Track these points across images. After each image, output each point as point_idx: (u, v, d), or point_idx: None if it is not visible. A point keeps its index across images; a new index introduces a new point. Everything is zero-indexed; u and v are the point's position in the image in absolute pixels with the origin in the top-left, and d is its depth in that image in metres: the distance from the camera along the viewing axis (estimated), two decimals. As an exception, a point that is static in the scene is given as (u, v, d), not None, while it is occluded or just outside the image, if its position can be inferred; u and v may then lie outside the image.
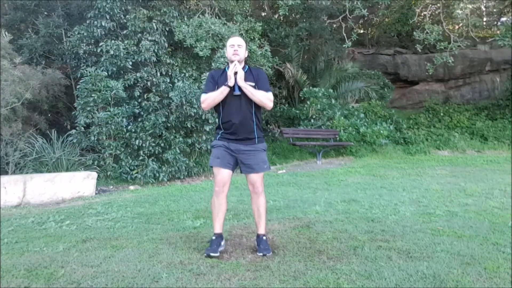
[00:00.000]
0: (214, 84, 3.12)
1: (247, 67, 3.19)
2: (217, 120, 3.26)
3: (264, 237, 3.16)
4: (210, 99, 3.08)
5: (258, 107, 3.14)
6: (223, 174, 3.10)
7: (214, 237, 3.12)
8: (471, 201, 4.90)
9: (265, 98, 3.08)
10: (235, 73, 3.04)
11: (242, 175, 3.31)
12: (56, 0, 9.38)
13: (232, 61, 3.09)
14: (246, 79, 3.06)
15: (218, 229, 3.15)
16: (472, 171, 7.58)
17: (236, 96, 3.05)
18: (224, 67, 3.24)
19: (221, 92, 3.04)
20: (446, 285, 2.49)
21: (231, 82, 3.02)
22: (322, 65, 13.22)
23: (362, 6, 9.69)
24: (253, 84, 3.08)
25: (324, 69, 13.09)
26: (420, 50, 11.23)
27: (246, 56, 3.22)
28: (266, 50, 9.63)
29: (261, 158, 3.15)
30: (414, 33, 10.89)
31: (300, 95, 11.68)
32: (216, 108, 3.17)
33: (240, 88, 3.04)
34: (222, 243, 3.16)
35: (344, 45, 10.62)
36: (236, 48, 3.10)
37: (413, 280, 2.56)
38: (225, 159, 3.10)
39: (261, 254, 3.03)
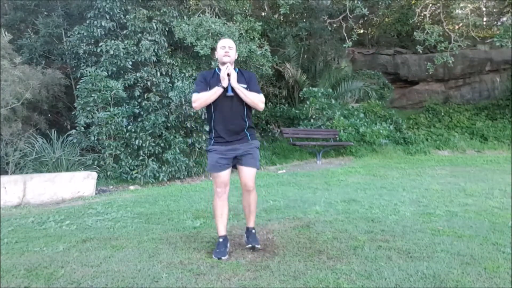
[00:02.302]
0: (206, 84, 3.14)
1: (237, 69, 3.23)
2: (208, 122, 3.28)
3: (253, 230, 3.24)
4: (203, 99, 3.09)
5: (249, 108, 3.18)
6: (222, 177, 3.13)
7: (220, 240, 3.14)
8: (471, 201, 4.90)
9: (257, 100, 3.13)
10: (228, 75, 3.07)
11: None
12: (56, 0, 9.37)
13: (223, 63, 3.13)
14: (238, 81, 3.10)
15: (223, 231, 3.18)
16: (472, 171, 7.58)
17: (228, 97, 3.08)
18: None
19: (215, 93, 3.06)
20: (446, 285, 2.50)
21: (224, 83, 3.05)
22: (321, 65, 13.22)
23: (362, 6, 9.68)
24: (245, 86, 3.13)
25: (323, 69, 13.09)
26: (420, 52, 11.24)
27: (236, 57, 3.25)
28: (266, 50, 9.63)
29: (255, 155, 3.18)
30: (415, 33, 10.88)
31: (300, 95, 11.68)
32: (208, 109, 3.20)
33: (233, 89, 3.07)
34: (228, 244, 3.19)
35: (344, 45, 10.61)
36: (227, 50, 3.14)
37: (413, 280, 2.56)
38: (221, 163, 3.12)
39: (250, 246, 3.13)
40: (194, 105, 3.16)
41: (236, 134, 3.13)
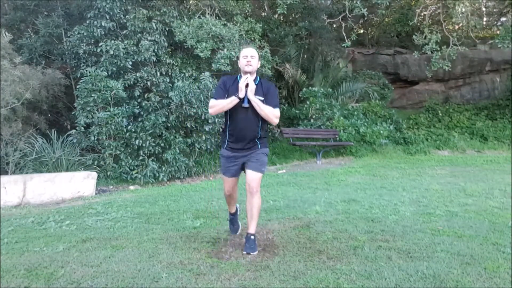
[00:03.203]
0: (225, 91, 3.19)
1: (258, 79, 3.26)
2: (223, 125, 3.39)
3: (252, 237, 3.23)
4: (219, 106, 3.17)
5: (264, 119, 3.23)
6: (229, 182, 3.39)
7: (232, 217, 3.62)
8: (471, 201, 4.90)
9: (271, 114, 3.16)
10: (246, 86, 3.11)
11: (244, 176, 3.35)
12: (56, 0, 9.38)
13: (245, 72, 3.16)
14: (256, 93, 3.14)
15: (233, 209, 3.59)
16: (472, 171, 7.58)
17: (244, 108, 3.14)
18: (235, 74, 3.38)
19: (230, 102, 3.13)
20: (446, 285, 2.50)
21: (241, 94, 3.10)
22: (320, 65, 13.19)
23: (361, 6, 9.68)
24: (262, 98, 3.17)
25: (322, 68, 13.07)
26: (417, 57, 11.30)
27: (258, 66, 3.28)
28: (266, 52, 9.64)
29: (261, 160, 3.26)
30: (414, 37, 10.89)
31: (300, 95, 11.67)
32: (225, 114, 3.28)
33: (249, 101, 3.11)
34: (238, 213, 3.67)
35: (343, 45, 10.60)
36: (249, 59, 3.16)
37: (413, 280, 2.56)
38: (232, 169, 3.33)
39: (245, 252, 3.13)
40: (210, 111, 3.24)
41: (248, 143, 3.22)
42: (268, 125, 3.59)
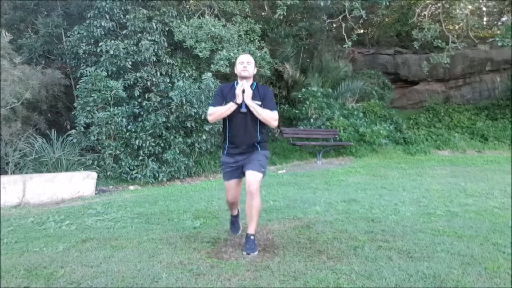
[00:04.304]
0: (223, 98, 3.25)
1: (255, 84, 3.31)
2: (223, 132, 3.41)
3: (252, 237, 3.23)
4: (217, 113, 3.21)
5: (263, 123, 3.27)
6: (232, 189, 3.38)
7: (233, 219, 3.62)
8: (471, 201, 4.90)
9: (269, 117, 3.20)
10: (243, 91, 3.15)
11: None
12: (56, 0, 9.37)
13: (242, 77, 3.22)
14: (253, 98, 3.18)
15: (234, 212, 3.61)
16: (472, 171, 7.57)
17: (242, 113, 3.18)
18: (233, 81, 3.44)
19: (228, 108, 3.18)
20: (446, 285, 2.49)
21: (239, 100, 3.15)
22: (319, 65, 13.16)
23: (361, 7, 9.66)
24: (260, 103, 3.21)
25: (321, 68, 13.04)
26: (417, 48, 11.22)
27: (255, 72, 3.34)
28: (265, 53, 9.64)
29: (261, 160, 3.25)
30: (413, 32, 10.88)
31: (300, 96, 11.66)
32: (223, 121, 3.32)
33: (247, 106, 3.16)
34: (239, 218, 3.65)
35: (344, 46, 10.60)
36: (245, 65, 3.22)
37: (413, 280, 2.56)
38: (233, 173, 3.33)
39: (246, 253, 3.14)
40: (209, 118, 3.29)
41: (247, 147, 3.26)
42: (267, 128, 3.59)
